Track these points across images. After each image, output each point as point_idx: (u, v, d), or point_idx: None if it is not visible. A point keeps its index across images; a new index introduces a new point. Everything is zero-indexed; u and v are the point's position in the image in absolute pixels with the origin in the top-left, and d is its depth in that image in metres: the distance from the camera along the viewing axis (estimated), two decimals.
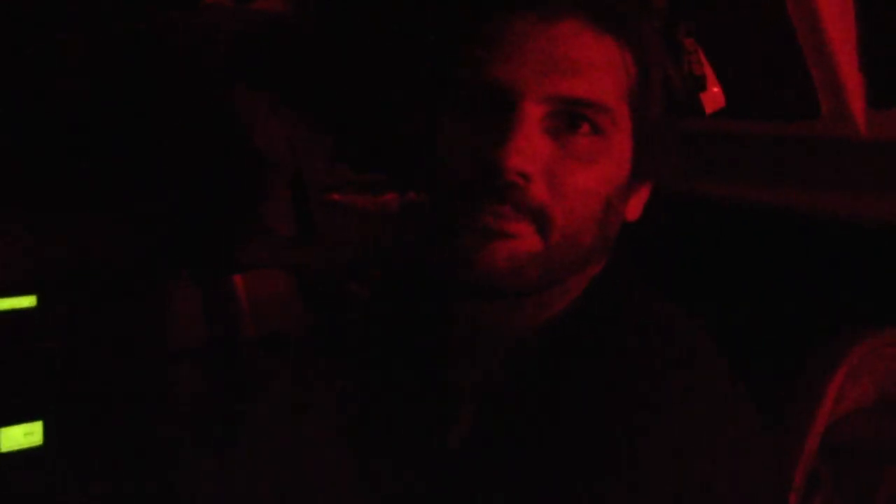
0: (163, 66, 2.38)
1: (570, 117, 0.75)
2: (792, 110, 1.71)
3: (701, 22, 1.65)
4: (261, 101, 2.64)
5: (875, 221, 1.72)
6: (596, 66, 0.75)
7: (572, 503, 0.71)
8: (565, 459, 0.74)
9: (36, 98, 2.19)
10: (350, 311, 2.41)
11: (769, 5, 1.64)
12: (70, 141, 2.23)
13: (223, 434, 2.48)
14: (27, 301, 1.96)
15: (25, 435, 1.91)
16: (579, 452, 0.73)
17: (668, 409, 0.72)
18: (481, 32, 0.77)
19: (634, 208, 0.84)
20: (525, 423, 0.80)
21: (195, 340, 2.52)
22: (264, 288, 2.74)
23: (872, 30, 1.65)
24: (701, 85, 1.65)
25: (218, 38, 2.44)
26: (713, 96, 1.66)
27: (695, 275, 1.78)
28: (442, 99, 0.80)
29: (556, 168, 0.75)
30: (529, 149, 0.74)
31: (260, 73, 2.53)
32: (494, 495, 0.80)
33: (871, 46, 1.65)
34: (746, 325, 1.77)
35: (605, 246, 0.82)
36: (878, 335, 1.51)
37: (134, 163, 2.34)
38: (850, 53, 1.65)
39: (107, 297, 2.21)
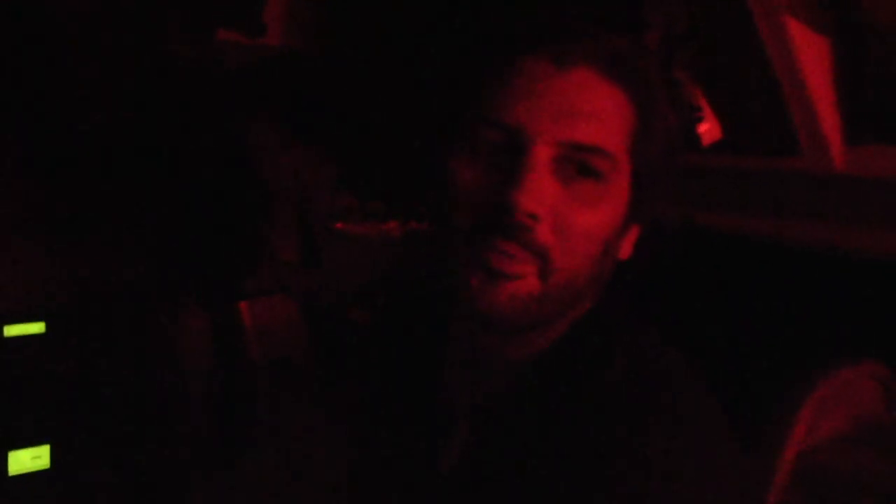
0: (175, 99, 2.43)
1: (577, 162, 0.78)
2: (772, 146, 1.75)
3: (694, 58, 1.69)
4: (270, 132, 2.70)
5: (853, 254, 1.75)
6: (604, 114, 0.78)
7: None
8: (552, 490, 0.78)
9: (48, 127, 2.24)
10: (352, 336, 2.45)
11: (749, 45, 1.68)
12: (82, 169, 2.27)
13: (229, 457, 2.52)
14: (36, 328, 1.99)
15: (33, 459, 1.94)
16: (565, 484, 0.77)
17: (654, 442, 0.76)
18: (496, 74, 0.80)
19: (626, 248, 0.87)
20: (513, 452, 0.84)
21: (203, 366, 2.56)
22: (270, 314, 2.78)
23: (848, 69, 1.69)
24: (698, 118, 1.68)
25: (230, 72, 2.49)
26: (710, 130, 1.69)
27: (679, 304, 1.81)
28: (454, 136, 0.83)
29: (562, 210, 0.79)
30: (539, 191, 0.77)
31: (270, 106, 2.59)
32: None
33: (848, 85, 1.69)
34: (727, 353, 1.80)
35: (599, 284, 0.85)
36: (854, 367, 1.55)
37: (143, 191, 2.39)
38: (828, 92, 1.69)
39: (115, 324, 2.25)
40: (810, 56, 1.66)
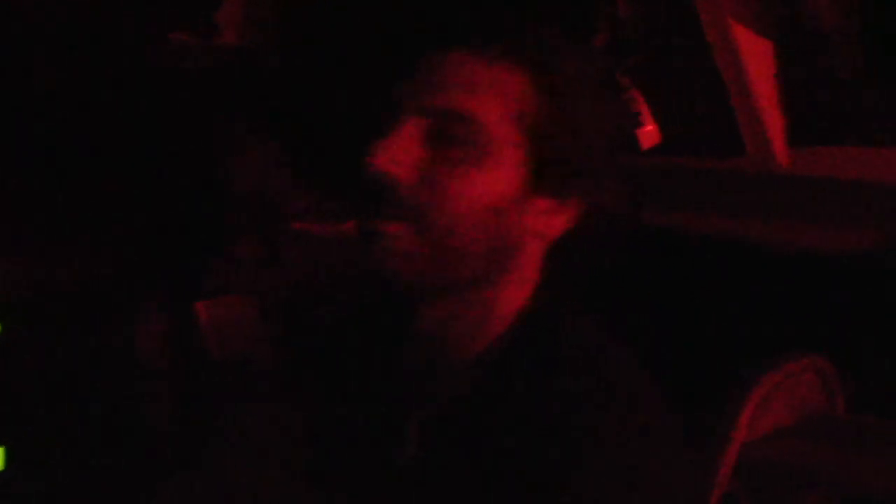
0: (130, 99, 2.43)
1: (447, 129, 0.83)
2: (719, 148, 1.79)
3: (637, 64, 1.73)
4: (227, 132, 2.70)
5: (797, 252, 1.80)
6: (480, 87, 0.83)
7: None
8: (498, 486, 0.79)
9: (5, 128, 2.22)
10: (312, 335, 2.45)
11: (696, 49, 1.72)
12: (38, 168, 2.26)
13: (190, 457, 2.52)
14: None
15: None
16: (511, 480, 0.79)
17: (597, 439, 0.77)
18: (403, 66, 0.87)
19: (552, 226, 0.88)
20: (461, 447, 0.85)
21: (161, 366, 2.55)
22: (228, 314, 2.78)
23: (791, 72, 1.74)
24: (637, 122, 1.72)
25: (185, 73, 2.49)
26: (649, 133, 1.73)
27: (627, 300, 1.85)
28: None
29: (431, 174, 0.83)
30: (395, 152, 0.82)
31: (227, 106, 2.59)
32: None
33: (791, 87, 1.74)
34: (673, 348, 1.84)
35: (506, 256, 0.86)
36: (795, 362, 1.60)
37: (99, 190, 2.38)
38: (772, 94, 1.74)
39: (72, 324, 2.24)
40: (755, 59, 1.71)
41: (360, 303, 1.09)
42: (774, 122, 1.74)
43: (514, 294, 0.89)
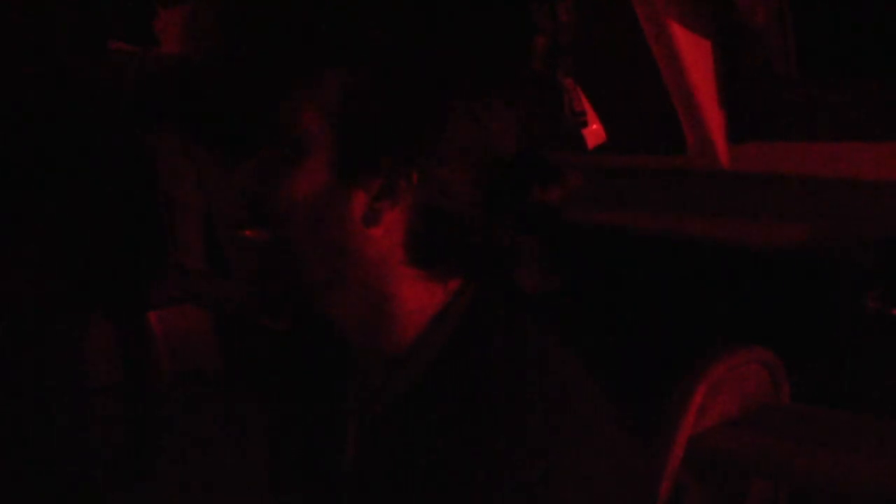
0: (72, 110, 2.40)
1: (270, 135, 0.89)
2: (661, 146, 1.82)
3: (578, 64, 1.74)
4: (168, 140, 2.68)
5: (740, 247, 1.84)
6: (291, 91, 0.88)
7: None
8: (433, 488, 0.80)
9: None
10: (263, 344, 2.44)
11: (635, 48, 1.75)
12: None
13: (142, 471, 2.49)
14: None
15: None
16: (447, 484, 0.79)
17: (538, 443, 0.77)
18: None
19: (385, 213, 0.87)
20: (396, 448, 0.86)
21: (110, 378, 2.52)
22: (178, 323, 2.76)
23: (729, 70, 1.78)
24: (581, 122, 1.74)
25: (124, 82, 2.47)
26: (594, 132, 1.75)
27: (576, 296, 1.87)
28: None
29: (264, 179, 0.89)
30: (247, 166, 0.91)
31: (166, 113, 2.57)
32: None
33: (729, 85, 1.77)
34: (623, 345, 1.87)
35: (351, 246, 0.87)
36: (740, 353, 1.63)
37: (44, 202, 2.35)
38: (711, 92, 1.77)
39: (18, 337, 2.21)
40: (694, 57, 1.74)
41: (303, 311, 1.10)
42: (715, 120, 1.77)
43: (404, 290, 0.89)
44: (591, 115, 1.73)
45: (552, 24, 1.69)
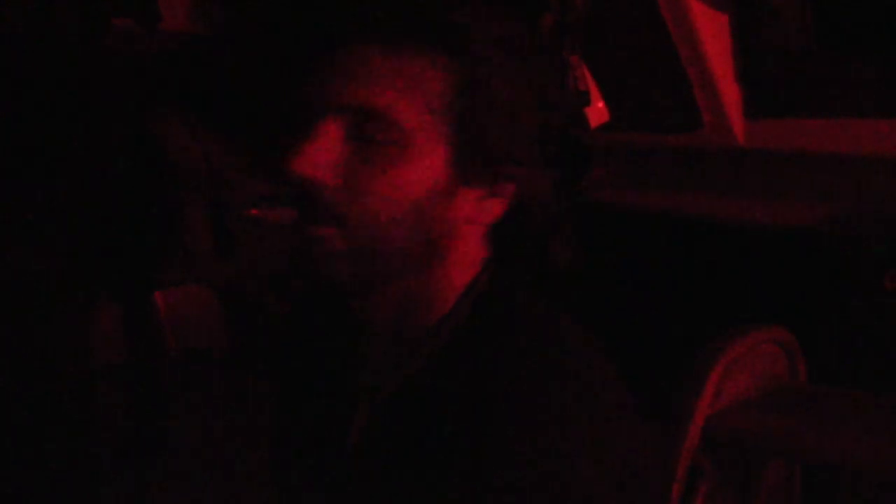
0: (76, 88, 2.38)
1: (365, 129, 0.81)
2: (676, 123, 1.80)
3: (587, 40, 1.72)
4: (175, 118, 2.66)
5: (757, 225, 1.82)
6: (392, 81, 0.81)
7: None
8: (447, 467, 0.78)
9: None
10: (270, 325, 2.43)
11: (651, 25, 1.72)
12: None
13: (147, 452, 2.49)
14: None
15: None
16: (460, 460, 0.77)
17: (551, 419, 0.76)
18: (310, 58, 0.85)
19: (487, 212, 0.87)
20: (408, 428, 0.85)
21: (117, 358, 2.52)
22: (185, 305, 2.75)
23: (748, 45, 1.75)
24: (585, 100, 1.72)
25: (132, 60, 2.45)
26: (598, 111, 1.73)
27: (588, 278, 1.85)
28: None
29: (353, 175, 0.81)
30: (317, 156, 0.81)
31: (173, 91, 2.55)
32: (382, 497, 0.85)
33: (746, 61, 1.75)
34: (639, 325, 1.85)
35: (439, 246, 0.86)
36: (756, 332, 1.61)
37: (48, 182, 2.34)
38: (728, 68, 1.74)
39: (23, 317, 2.20)
40: (710, 33, 1.72)
41: (313, 292, 1.09)
42: (731, 96, 1.75)
43: (458, 276, 0.89)
44: (595, 93, 1.71)
45: (560, 1, 1.66)
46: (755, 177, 1.84)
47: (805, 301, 1.83)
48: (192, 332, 2.75)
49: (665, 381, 1.49)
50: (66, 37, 2.30)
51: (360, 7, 0.84)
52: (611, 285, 1.99)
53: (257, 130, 2.63)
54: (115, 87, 2.42)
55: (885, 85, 1.65)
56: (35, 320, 2.22)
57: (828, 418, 1.57)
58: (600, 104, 1.65)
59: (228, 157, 2.69)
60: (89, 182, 2.39)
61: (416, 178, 0.82)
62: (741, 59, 1.74)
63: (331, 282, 0.84)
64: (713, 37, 1.73)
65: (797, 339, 1.68)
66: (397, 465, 0.84)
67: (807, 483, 1.72)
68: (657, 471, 0.88)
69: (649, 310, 1.95)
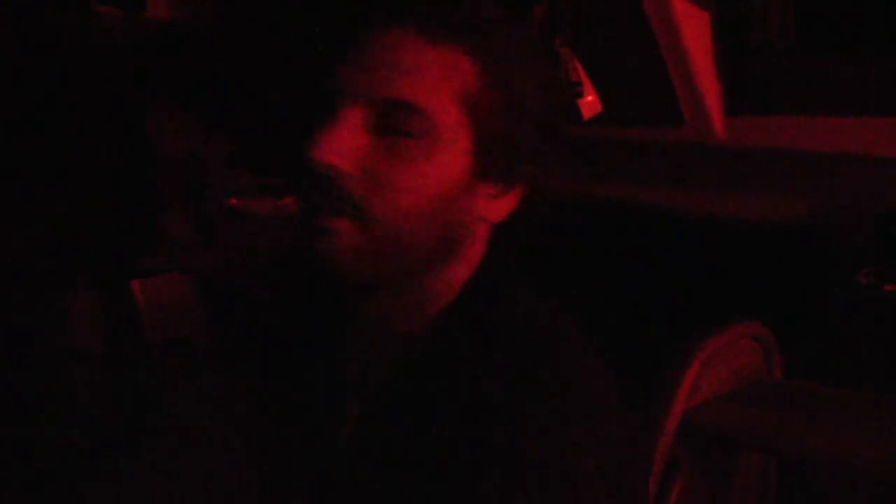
0: (56, 72, 2.36)
1: (391, 119, 0.80)
2: (658, 118, 1.81)
3: (576, 34, 1.73)
4: (157, 106, 2.65)
5: (736, 221, 1.83)
6: (421, 71, 0.79)
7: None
8: (439, 461, 0.78)
9: None
10: (251, 315, 2.42)
11: (635, 21, 1.73)
12: None
13: (126, 442, 2.48)
14: None
15: None
16: (451, 451, 0.78)
17: (539, 411, 0.76)
18: (337, 45, 0.83)
19: (498, 210, 0.86)
20: (400, 420, 0.85)
21: (95, 346, 2.50)
22: (164, 293, 2.74)
23: (728, 43, 1.76)
24: (578, 92, 1.73)
25: (112, 45, 2.43)
26: (590, 103, 1.74)
27: (571, 271, 1.86)
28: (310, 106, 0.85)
29: (376, 166, 0.80)
30: (341, 145, 0.79)
31: (156, 79, 2.53)
32: (374, 494, 0.84)
33: (728, 59, 1.76)
34: (618, 318, 1.86)
35: (454, 242, 0.85)
36: (733, 328, 1.62)
37: (30, 168, 2.32)
38: (709, 65, 1.76)
39: (4, 303, 2.19)
40: (692, 30, 1.72)
41: (299, 282, 1.08)
42: (712, 93, 1.76)
43: (459, 273, 0.88)
44: (587, 85, 1.71)
45: None
46: (734, 173, 1.85)
47: (782, 297, 1.84)
48: (170, 321, 2.73)
49: (643, 376, 1.50)
50: (48, 24, 2.28)
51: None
52: (586, 279, 2.00)
53: (240, 121, 2.62)
54: (98, 75, 2.41)
55: (865, 84, 1.67)
56: (13, 306, 2.21)
57: (804, 413, 1.58)
58: (592, 97, 1.65)
59: (210, 146, 2.68)
60: (69, 170, 2.37)
61: (440, 171, 0.80)
62: (722, 56, 1.75)
63: (339, 277, 0.82)
64: (695, 34, 1.74)
65: (774, 334, 1.69)
66: (391, 459, 0.84)
67: (781, 477, 1.74)
68: (642, 462, 0.89)
69: (625, 303, 1.96)
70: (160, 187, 2.70)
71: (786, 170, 1.80)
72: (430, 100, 0.79)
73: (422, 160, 0.80)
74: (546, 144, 0.84)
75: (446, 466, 0.78)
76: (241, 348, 1.11)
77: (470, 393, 0.80)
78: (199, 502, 1.11)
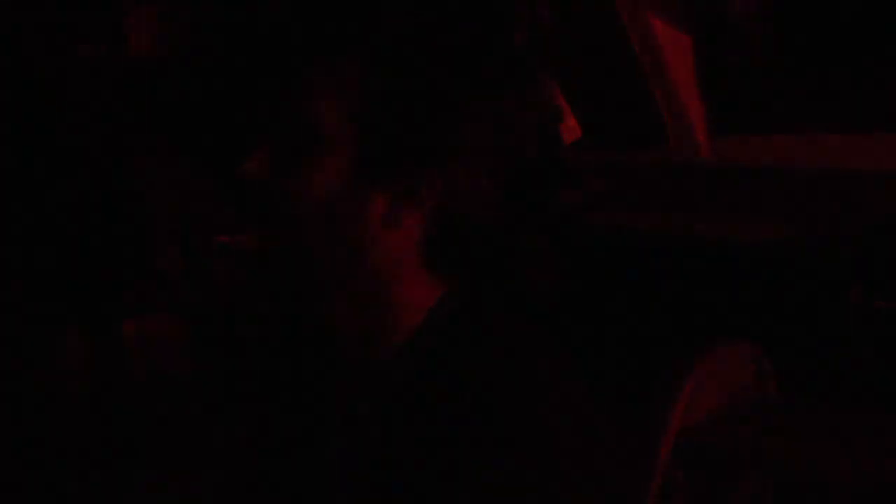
0: (40, 112, 2.37)
1: (286, 131, 0.86)
2: (640, 139, 1.82)
3: (557, 59, 1.74)
4: (146, 144, 2.65)
5: (724, 241, 1.83)
6: (317, 89, 0.85)
7: None
8: (422, 479, 0.78)
9: None
10: (240, 352, 2.41)
11: (617, 44, 1.75)
12: None
13: (115, 479, 2.46)
14: None
15: None
16: (434, 473, 0.77)
17: (524, 435, 0.76)
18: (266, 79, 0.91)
19: (407, 219, 0.85)
20: (386, 441, 0.85)
21: (83, 387, 2.49)
22: (154, 332, 2.72)
23: (710, 63, 1.78)
24: (558, 116, 1.74)
25: (96, 84, 2.44)
26: (570, 128, 1.75)
27: (557, 296, 1.86)
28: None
29: (277, 176, 0.86)
30: (254, 158, 0.86)
31: (140, 117, 2.54)
32: None
33: (710, 79, 1.77)
34: (609, 341, 1.86)
35: (363, 248, 0.86)
36: (726, 347, 1.62)
37: (18, 208, 2.32)
38: (691, 85, 1.77)
39: None
40: (674, 51, 1.74)
41: (282, 314, 1.08)
42: (695, 113, 1.77)
43: (410, 291, 0.88)
44: (566, 111, 1.73)
45: (530, 19, 1.68)
46: (721, 193, 1.86)
47: (773, 315, 1.84)
48: (161, 360, 2.72)
49: (637, 397, 1.49)
50: (31, 65, 2.29)
51: (307, 28, 0.88)
52: (581, 302, 1.99)
53: (226, 156, 2.62)
54: (83, 114, 2.41)
55: (848, 102, 1.68)
56: (2, 347, 2.19)
57: (797, 432, 1.58)
58: (571, 122, 1.66)
59: (196, 184, 2.68)
60: (57, 209, 2.37)
61: (323, 178, 0.84)
62: (704, 76, 1.77)
63: (270, 285, 0.89)
64: (676, 54, 1.75)
65: (766, 353, 1.69)
66: (377, 480, 0.84)
67: (778, 496, 1.73)
68: (631, 486, 0.88)
69: (618, 325, 1.96)
70: (148, 227, 2.70)
71: (771, 188, 1.80)
72: (315, 111, 0.84)
73: (305, 167, 0.84)
74: (462, 155, 0.84)
75: (430, 488, 0.78)
76: (231, 384, 1.12)
77: (448, 416, 0.79)
78: None
